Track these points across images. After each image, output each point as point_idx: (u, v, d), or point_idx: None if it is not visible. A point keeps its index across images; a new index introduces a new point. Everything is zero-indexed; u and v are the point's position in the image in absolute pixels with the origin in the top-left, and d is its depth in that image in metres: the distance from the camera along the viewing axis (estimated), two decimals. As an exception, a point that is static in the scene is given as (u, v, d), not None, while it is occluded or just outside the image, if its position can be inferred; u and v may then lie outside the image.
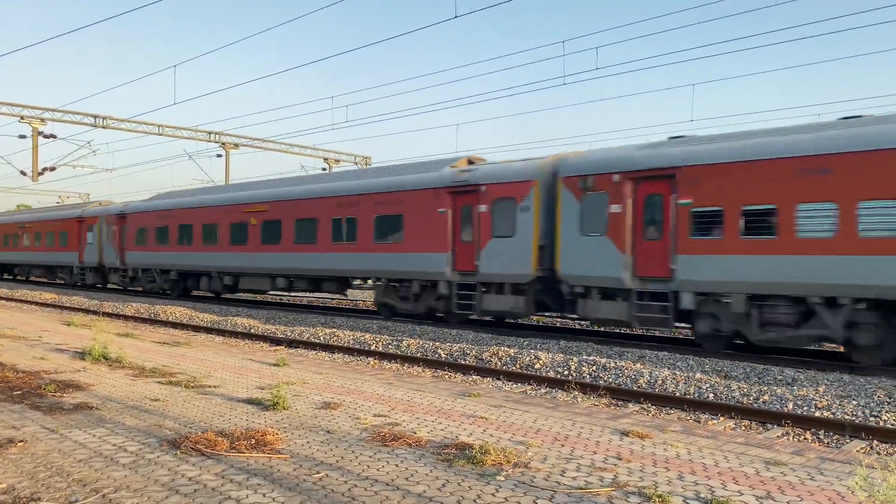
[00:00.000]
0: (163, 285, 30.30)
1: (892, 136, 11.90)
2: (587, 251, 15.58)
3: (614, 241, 15.16)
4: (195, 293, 30.18)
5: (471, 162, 19.70)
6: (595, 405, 9.85)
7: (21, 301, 29.60)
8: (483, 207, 17.65)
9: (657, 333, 18.72)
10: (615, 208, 15.17)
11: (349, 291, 25.35)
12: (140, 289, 32.64)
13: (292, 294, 33.07)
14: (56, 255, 37.78)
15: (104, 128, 34.43)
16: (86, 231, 34.97)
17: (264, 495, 4.90)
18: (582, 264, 15.69)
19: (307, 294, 32.36)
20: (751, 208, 13.29)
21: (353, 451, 6.09)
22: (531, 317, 19.55)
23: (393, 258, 19.76)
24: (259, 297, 32.15)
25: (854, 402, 9.62)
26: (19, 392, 8.62)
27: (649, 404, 10.25)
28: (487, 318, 19.72)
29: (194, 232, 27.32)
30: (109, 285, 35.64)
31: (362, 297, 30.45)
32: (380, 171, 22.03)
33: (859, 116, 13.16)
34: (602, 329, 18.48)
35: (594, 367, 12.25)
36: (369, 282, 21.88)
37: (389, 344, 15.72)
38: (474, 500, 4.85)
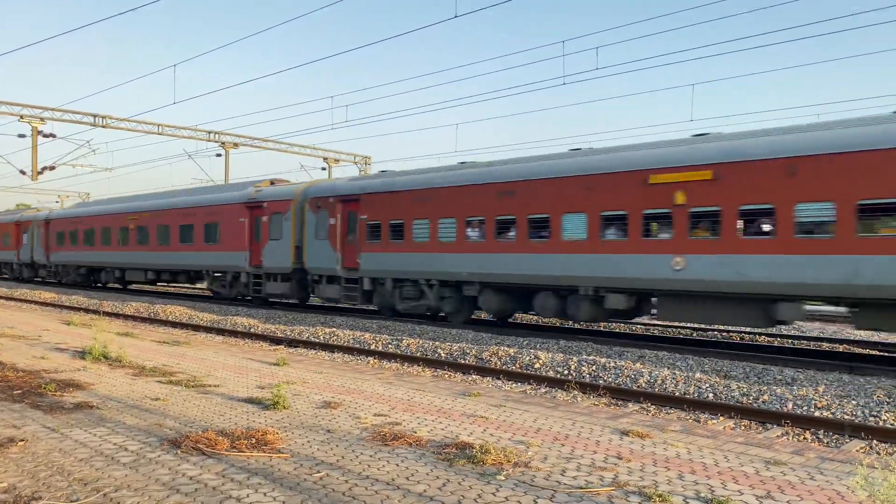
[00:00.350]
0: (76, 278, 37.23)
1: (453, 179, 18.70)
2: (319, 250, 22.06)
3: (332, 243, 21.65)
4: (100, 284, 37.04)
5: (272, 183, 25.98)
6: (595, 405, 9.86)
7: (20, 300, 29.59)
8: (265, 218, 24.11)
9: (656, 333, 18.82)
10: (332, 221, 21.71)
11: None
12: (61, 281, 39.05)
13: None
14: (1, 254, 45.41)
15: (104, 127, 34.38)
16: (22, 233, 42.23)
17: (265, 494, 4.91)
18: (317, 260, 22.15)
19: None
20: (392, 222, 20.02)
21: (353, 451, 6.10)
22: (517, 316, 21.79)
23: (214, 256, 26.46)
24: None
25: (853, 402, 9.63)
26: (20, 391, 8.62)
27: (649, 404, 10.25)
28: (274, 300, 26.25)
29: (95, 235, 34.46)
30: (45, 280, 41.73)
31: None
32: (209, 189, 29.44)
33: (464, 162, 19.90)
34: (602, 329, 18.63)
35: (594, 367, 12.26)
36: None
37: (389, 343, 15.73)
38: (475, 500, 4.86)
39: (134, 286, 36.36)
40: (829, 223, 12.42)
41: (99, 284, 36.52)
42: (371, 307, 22.75)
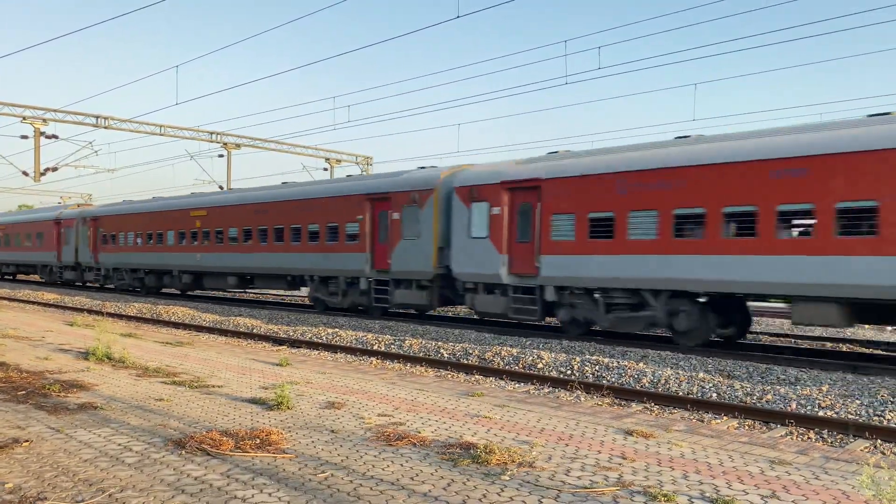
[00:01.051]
0: None
1: (133, 209, 33.64)
2: (86, 250, 36.57)
3: (90, 246, 36.10)
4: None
5: (79, 206, 41.89)
6: (598, 405, 9.86)
7: (23, 301, 29.63)
8: (63, 230, 38.81)
9: (659, 333, 18.80)
10: (88, 232, 36.16)
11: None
12: None
13: (293, 294, 34.13)
14: None
15: (106, 128, 34.44)
16: None
17: (270, 495, 4.91)
18: (84, 256, 36.81)
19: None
20: (113, 234, 34.22)
21: (357, 451, 6.10)
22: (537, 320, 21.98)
23: (41, 255, 41.25)
24: (262, 297, 33.17)
25: (857, 402, 9.62)
26: (24, 392, 8.63)
27: (652, 404, 10.25)
28: (68, 281, 40.24)
29: None
30: None
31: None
32: (42, 210, 45.44)
33: (155, 197, 34.55)
34: (606, 329, 18.62)
35: (597, 367, 12.26)
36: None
37: (392, 344, 15.73)
38: (479, 500, 4.86)
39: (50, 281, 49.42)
40: (234, 240, 26.82)
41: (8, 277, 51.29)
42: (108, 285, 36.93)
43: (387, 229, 20.56)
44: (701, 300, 14.47)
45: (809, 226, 12.97)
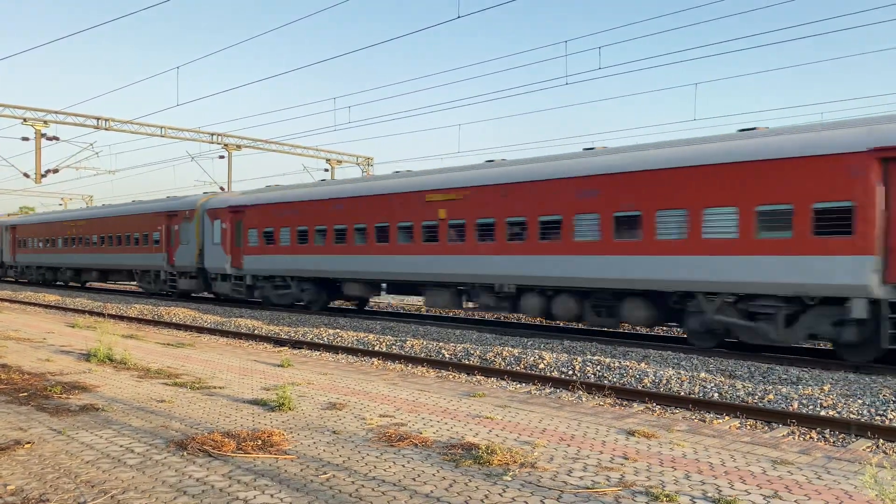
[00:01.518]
0: None
1: (47, 218, 44.16)
2: (7, 251, 47.60)
3: (10, 248, 46.61)
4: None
5: (8, 216, 55.27)
6: (600, 405, 9.85)
7: (25, 303, 29.65)
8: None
9: (661, 333, 18.84)
10: (9, 238, 46.67)
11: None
12: None
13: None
14: None
15: (107, 130, 34.45)
16: None
17: (272, 496, 4.91)
18: (7, 256, 47.38)
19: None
20: (31, 239, 43.97)
21: (359, 452, 6.10)
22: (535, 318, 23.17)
23: None
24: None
25: (859, 401, 9.61)
26: (25, 393, 8.64)
27: (654, 404, 10.24)
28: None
29: None
30: None
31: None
32: None
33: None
34: (606, 329, 18.63)
35: (598, 367, 12.25)
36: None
37: (393, 344, 15.73)
38: (481, 500, 4.85)
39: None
40: (95, 244, 36.32)
41: None
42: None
43: (174, 237, 29.70)
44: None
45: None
